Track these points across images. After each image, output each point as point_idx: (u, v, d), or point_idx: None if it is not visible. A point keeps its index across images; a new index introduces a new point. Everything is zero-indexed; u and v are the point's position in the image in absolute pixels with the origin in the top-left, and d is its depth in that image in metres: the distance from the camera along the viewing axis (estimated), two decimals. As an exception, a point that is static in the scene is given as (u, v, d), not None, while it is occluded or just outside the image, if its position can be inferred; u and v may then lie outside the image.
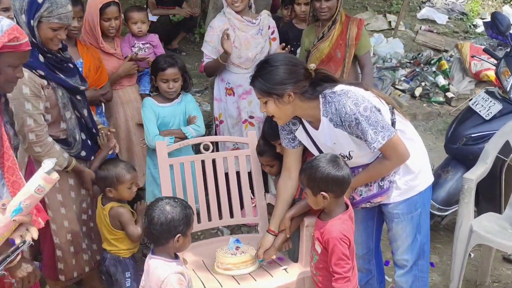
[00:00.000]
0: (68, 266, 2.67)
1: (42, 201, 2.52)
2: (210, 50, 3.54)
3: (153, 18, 6.32)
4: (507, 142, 2.93)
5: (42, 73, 2.40)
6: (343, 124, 2.16)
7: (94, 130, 2.71)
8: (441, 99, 6.08)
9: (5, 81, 1.85)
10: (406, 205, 2.37)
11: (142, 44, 3.55)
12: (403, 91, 6.16)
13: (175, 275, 1.99)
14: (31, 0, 2.31)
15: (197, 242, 2.86)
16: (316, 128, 2.28)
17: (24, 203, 1.68)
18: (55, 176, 1.72)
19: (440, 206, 3.46)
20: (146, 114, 3.05)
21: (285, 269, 2.50)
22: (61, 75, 2.50)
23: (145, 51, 3.55)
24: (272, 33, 3.66)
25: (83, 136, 2.62)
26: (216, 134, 3.78)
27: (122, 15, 3.45)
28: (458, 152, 3.50)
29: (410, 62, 6.67)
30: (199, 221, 2.76)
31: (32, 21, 2.34)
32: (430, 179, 2.45)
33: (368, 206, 2.39)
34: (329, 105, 2.17)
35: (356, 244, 2.55)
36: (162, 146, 2.71)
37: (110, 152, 2.79)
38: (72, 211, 2.65)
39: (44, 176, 1.68)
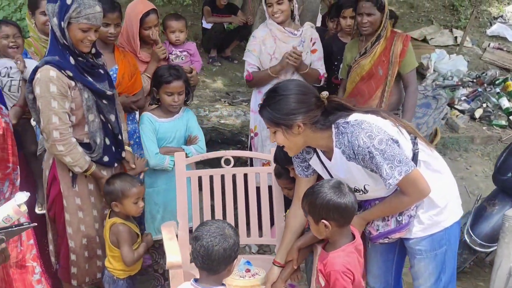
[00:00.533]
0: (81, 270, 2.67)
1: (61, 203, 2.56)
2: (253, 59, 3.51)
3: (208, 26, 6.39)
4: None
5: (71, 74, 2.43)
6: (356, 157, 1.99)
7: (120, 137, 2.69)
8: (504, 122, 5.65)
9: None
10: (430, 241, 2.17)
11: (180, 51, 3.54)
12: (462, 111, 5.79)
13: None
14: (61, 2, 2.36)
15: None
16: (330, 158, 2.13)
17: None
18: (24, 209, 1.78)
19: (482, 242, 3.17)
20: (145, 132, 2.91)
21: (294, 296, 2.37)
22: (90, 78, 2.51)
23: (182, 59, 3.54)
24: (313, 44, 3.55)
25: (107, 141, 2.62)
26: (250, 146, 3.70)
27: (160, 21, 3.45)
28: (507, 184, 3.20)
29: (472, 81, 6.26)
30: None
31: (62, 23, 2.38)
32: (458, 214, 2.23)
33: (386, 241, 2.21)
34: (341, 136, 2.02)
35: (373, 277, 2.43)
36: (180, 157, 2.66)
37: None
38: (90, 216, 2.64)
39: (15, 208, 1.75)
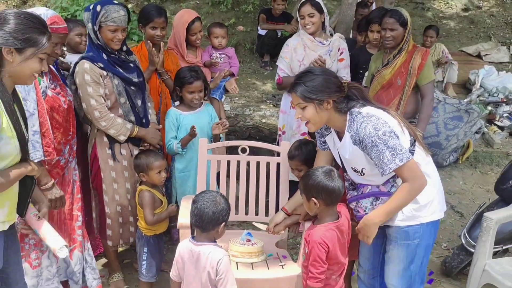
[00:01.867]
0: (115, 233, 3.22)
1: (100, 176, 3.14)
2: (284, 65, 3.93)
3: (262, 32, 6.85)
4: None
5: (101, 65, 3.00)
6: (361, 143, 2.33)
7: (144, 120, 3.21)
8: (543, 141, 5.68)
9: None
10: (405, 232, 2.46)
11: (219, 54, 4.08)
12: (501, 127, 5.86)
13: (227, 257, 2.30)
14: (93, 10, 2.97)
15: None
16: (340, 139, 2.50)
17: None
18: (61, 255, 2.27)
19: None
20: (166, 124, 3.38)
21: (282, 265, 2.78)
22: (119, 69, 3.07)
23: (221, 60, 4.07)
24: (341, 54, 3.92)
25: (134, 122, 3.15)
26: (278, 143, 4.13)
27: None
28: (505, 193, 3.41)
29: (518, 99, 6.29)
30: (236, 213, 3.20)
31: (95, 27, 2.97)
32: (437, 215, 2.49)
33: None
34: (353, 123, 2.35)
35: (364, 258, 2.77)
36: (203, 143, 3.16)
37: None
38: (123, 188, 3.17)
39: (54, 250, 2.28)
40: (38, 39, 1.95)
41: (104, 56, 3.04)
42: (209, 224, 2.29)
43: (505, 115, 6.03)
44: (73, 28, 3.58)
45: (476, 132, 5.38)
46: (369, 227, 2.39)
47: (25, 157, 2.05)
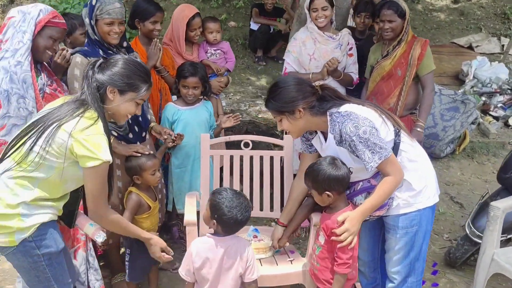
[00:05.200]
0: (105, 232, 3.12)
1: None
2: (292, 60, 3.84)
3: (254, 27, 6.81)
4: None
5: None
6: (344, 143, 2.33)
7: (140, 119, 3.08)
8: (538, 130, 5.71)
9: (45, 48, 2.54)
10: (403, 219, 2.47)
11: (214, 50, 4.01)
12: (496, 118, 5.89)
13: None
14: (89, 5, 2.90)
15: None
16: (325, 140, 2.49)
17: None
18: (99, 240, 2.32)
19: (481, 234, 3.38)
20: (162, 119, 3.38)
21: (291, 260, 2.74)
22: None
23: (216, 56, 4.01)
24: (350, 49, 3.88)
25: (129, 121, 2.99)
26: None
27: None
28: (508, 182, 3.41)
29: (511, 89, 6.31)
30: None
31: (91, 21, 2.90)
32: (432, 201, 2.51)
33: (368, 219, 2.51)
34: (334, 124, 2.36)
35: (363, 250, 2.76)
36: (206, 138, 3.11)
37: (170, 145, 3.22)
38: (115, 187, 3.03)
39: (92, 234, 2.33)
40: (140, 86, 2.16)
41: (101, 52, 2.97)
42: (239, 227, 2.33)
43: (499, 105, 6.05)
44: (79, 27, 3.49)
45: (472, 123, 5.39)
46: (353, 225, 2.33)
47: None
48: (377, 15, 3.89)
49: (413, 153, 2.47)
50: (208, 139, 3.12)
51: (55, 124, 2.01)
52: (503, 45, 7.74)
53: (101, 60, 2.17)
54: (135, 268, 2.96)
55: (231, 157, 3.16)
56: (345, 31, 3.92)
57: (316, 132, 2.57)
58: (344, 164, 2.38)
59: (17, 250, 2.08)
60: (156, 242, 2.44)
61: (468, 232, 3.41)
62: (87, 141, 1.98)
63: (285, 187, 3.12)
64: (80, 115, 2.03)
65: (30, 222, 2.06)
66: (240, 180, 3.16)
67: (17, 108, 2.45)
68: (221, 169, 3.20)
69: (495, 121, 5.81)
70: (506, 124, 5.86)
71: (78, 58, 2.89)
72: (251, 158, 3.17)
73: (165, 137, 3.19)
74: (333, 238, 2.33)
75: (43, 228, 2.10)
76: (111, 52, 2.99)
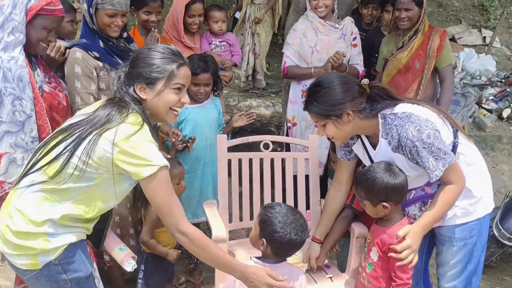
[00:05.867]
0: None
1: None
2: (292, 53, 3.52)
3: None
4: None
5: (97, 55, 2.52)
6: (403, 149, 2.04)
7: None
8: (532, 123, 5.66)
9: (38, 40, 2.15)
10: (462, 230, 2.23)
11: (219, 41, 3.64)
12: (489, 111, 5.79)
13: None
14: None
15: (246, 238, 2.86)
16: (374, 147, 2.19)
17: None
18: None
19: (511, 236, 3.21)
20: None
21: (330, 277, 2.44)
22: (118, 60, 2.59)
23: (221, 49, 3.63)
24: (354, 39, 3.59)
25: None
26: (287, 136, 3.73)
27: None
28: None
29: (501, 81, 6.27)
30: (251, 217, 2.78)
31: (90, 9, 2.49)
32: (490, 207, 2.28)
33: None
34: (389, 127, 2.07)
35: None
36: (223, 140, 2.75)
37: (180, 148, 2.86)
38: (125, 198, 2.72)
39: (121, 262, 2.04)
40: (166, 68, 1.80)
41: (101, 43, 2.57)
42: (293, 250, 2.01)
43: (490, 98, 5.97)
44: (66, 13, 3.03)
45: (470, 116, 5.26)
46: (415, 241, 2.06)
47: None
48: (391, 3, 3.64)
49: (471, 156, 2.22)
50: (226, 141, 2.75)
51: (94, 132, 1.68)
52: (484, 37, 7.72)
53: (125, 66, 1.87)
54: (149, 286, 2.61)
55: (250, 160, 2.81)
56: (348, 19, 3.64)
57: (358, 137, 2.27)
58: (399, 169, 2.09)
59: (40, 274, 1.76)
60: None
61: (497, 234, 3.22)
62: (134, 148, 1.68)
63: (311, 192, 2.80)
64: (123, 121, 1.70)
65: (57, 242, 1.75)
66: (261, 186, 2.82)
67: (12, 111, 2.04)
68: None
69: (489, 114, 5.71)
70: (500, 117, 5.78)
71: (78, 53, 2.49)
72: (272, 161, 2.84)
73: (173, 139, 2.81)
74: (392, 255, 2.04)
75: (71, 249, 1.79)
76: (111, 43, 2.60)
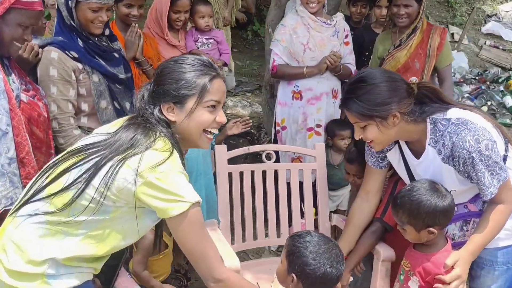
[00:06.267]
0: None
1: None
2: (281, 50, 3.23)
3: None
4: None
5: (76, 55, 2.19)
6: (456, 160, 1.81)
7: None
8: (508, 121, 5.62)
9: (12, 39, 1.80)
10: (504, 253, 2.00)
11: (206, 39, 3.32)
12: (466, 109, 5.74)
13: None
14: None
15: (254, 260, 2.58)
16: (417, 156, 1.94)
17: None
18: None
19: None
20: None
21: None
22: (101, 61, 2.27)
23: (208, 47, 3.32)
24: (346, 36, 3.37)
25: None
26: (276, 140, 3.45)
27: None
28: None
29: (475, 79, 6.24)
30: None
31: (70, 2, 2.14)
32: None
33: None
34: (439, 134, 1.83)
35: None
36: (222, 150, 2.45)
37: None
38: None
39: None
40: (197, 83, 1.52)
41: (80, 42, 2.21)
42: (329, 286, 1.72)
43: (466, 95, 5.92)
44: None
45: (451, 115, 5.18)
46: (465, 270, 1.84)
47: None
48: None
49: None
50: (225, 152, 2.45)
51: (116, 159, 1.40)
52: (452, 34, 7.72)
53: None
54: None
55: (252, 173, 2.52)
56: (339, 15, 3.42)
57: (395, 143, 2.02)
58: (445, 189, 1.85)
59: None
60: None
61: None
62: (161, 180, 1.41)
63: (320, 206, 2.55)
64: (149, 146, 1.42)
65: (58, 285, 1.47)
66: (264, 201, 2.54)
67: None
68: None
69: (467, 112, 5.66)
70: (477, 115, 5.74)
71: (53, 53, 2.13)
72: (276, 172, 2.56)
73: None
74: (439, 286, 1.81)
75: None
76: (91, 42, 2.25)
